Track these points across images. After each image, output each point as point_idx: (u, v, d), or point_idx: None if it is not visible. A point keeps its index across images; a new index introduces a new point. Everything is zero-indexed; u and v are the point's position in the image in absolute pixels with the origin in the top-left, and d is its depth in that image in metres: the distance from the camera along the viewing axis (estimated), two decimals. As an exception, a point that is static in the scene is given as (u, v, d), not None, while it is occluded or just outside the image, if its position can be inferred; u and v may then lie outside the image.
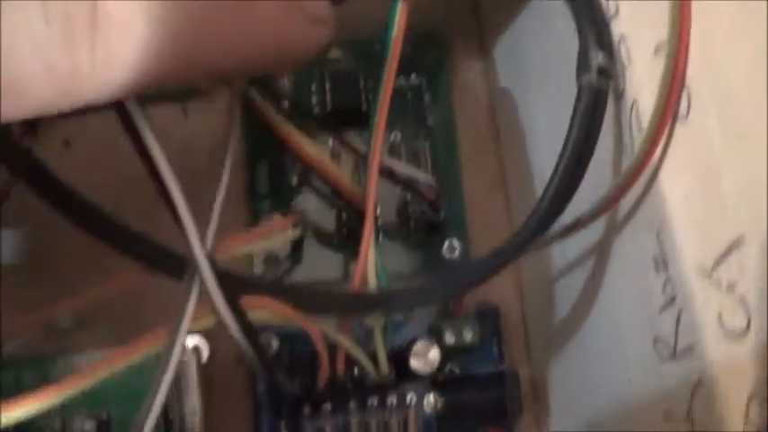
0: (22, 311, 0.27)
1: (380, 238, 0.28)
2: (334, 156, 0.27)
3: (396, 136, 0.28)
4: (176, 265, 0.23)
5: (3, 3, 0.15)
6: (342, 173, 0.26)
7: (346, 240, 0.27)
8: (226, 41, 0.17)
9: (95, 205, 0.25)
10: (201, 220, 0.27)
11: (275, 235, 0.25)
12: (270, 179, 0.28)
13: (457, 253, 0.28)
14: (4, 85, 0.15)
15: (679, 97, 0.18)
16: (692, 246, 0.18)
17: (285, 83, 0.28)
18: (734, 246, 0.17)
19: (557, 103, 0.24)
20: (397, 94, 0.28)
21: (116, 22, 0.15)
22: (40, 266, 0.28)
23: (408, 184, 0.27)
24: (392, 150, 0.28)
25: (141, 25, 0.16)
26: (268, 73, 0.26)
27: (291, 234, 0.25)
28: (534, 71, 0.27)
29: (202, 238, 0.22)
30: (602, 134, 0.21)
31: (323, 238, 0.28)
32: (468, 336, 0.26)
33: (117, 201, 0.26)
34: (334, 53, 0.28)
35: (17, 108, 0.16)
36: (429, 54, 0.29)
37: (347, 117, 0.28)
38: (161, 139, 0.28)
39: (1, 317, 0.26)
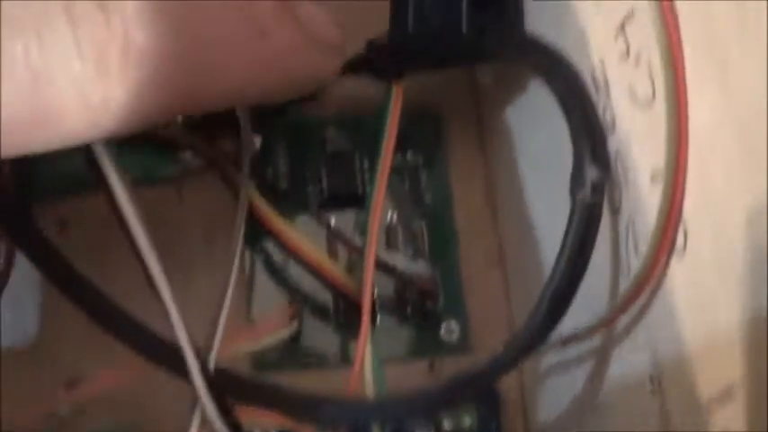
0: (22, 401, 0.27)
1: (378, 320, 0.28)
2: (330, 246, 0.27)
3: (392, 216, 0.28)
4: (175, 361, 0.23)
5: (37, 36, 0.16)
6: (336, 269, 0.26)
7: (343, 322, 0.27)
8: (239, 71, 0.18)
9: (98, 288, 0.25)
10: (197, 306, 0.28)
11: (275, 331, 0.25)
12: (266, 261, 0.28)
13: (455, 336, 0.28)
14: (41, 115, 0.16)
15: (675, 233, 0.18)
16: (687, 383, 0.18)
17: (280, 167, 0.28)
18: (726, 393, 0.17)
19: (553, 184, 0.24)
20: (394, 171, 0.28)
21: (142, 52, 0.16)
22: (42, 351, 0.28)
23: (405, 277, 0.26)
24: (389, 231, 0.28)
25: (163, 55, 0.16)
26: (277, 100, 0.26)
27: (290, 328, 0.25)
28: (531, 152, 0.27)
29: (198, 350, 0.22)
30: (598, 242, 0.21)
31: (320, 316, 0.28)
32: (467, 422, 0.26)
33: (113, 285, 0.26)
34: (329, 132, 0.28)
35: (49, 138, 0.17)
36: (425, 130, 0.29)
37: (344, 201, 0.28)
38: (156, 222, 0.28)
39: (1, 407, 0.26)
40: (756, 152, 0.17)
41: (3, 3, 0.15)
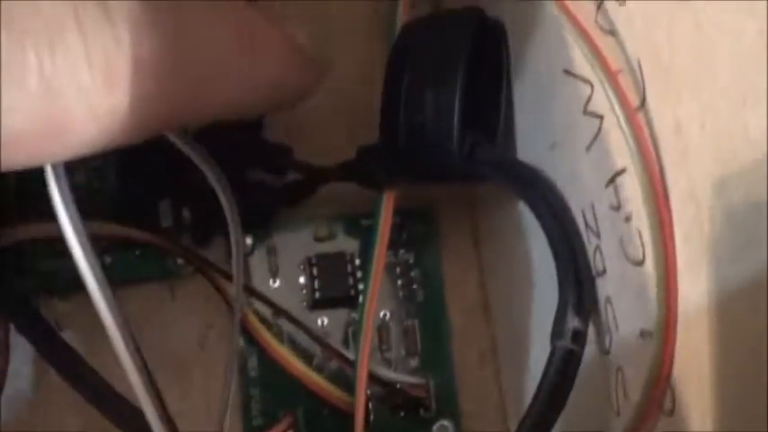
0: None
1: (371, 418, 0.28)
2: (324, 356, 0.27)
3: (385, 315, 0.28)
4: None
5: (50, 47, 0.16)
6: (324, 382, 0.26)
7: (338, 422, 0.28)
8: (234, 80, 0.19)
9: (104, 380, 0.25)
10: (190, 407, 0.28)
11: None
12: (260, 364, 0.28)
13: (449, 435, 0.28)
14: (50, 125, 0.17)
15: (663, 397, 0.18)
16: None
17: (271, 267, 0.28)
18: None
19: (547, 283, 0.24)
20: (386, 268, 0.28)
21: (147, 63, 0.17)
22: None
23: (397, 388, 0.27)
24: (381, 328, 0.28)
25: (166, 65, 0.17)
26: (265, 111, 0.26)
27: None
28: (525, 249, 0.27)
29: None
30: (588, 379, 0.21)
31: (316, 418, 0.28)
32: None
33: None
34: (321, 232, 0.28)
35: (57, 149, 0.18)
36: (418, 226, 0.29)
37: (336, 302, 0.28)
38: (147, 322, 0.28)
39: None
40: (743, 326, 0.17)
41: (16, 15, 0.16)
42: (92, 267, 0.21)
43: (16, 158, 0.17)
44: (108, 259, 0.27)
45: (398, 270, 0.29)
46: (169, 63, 0.18)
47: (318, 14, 0.29)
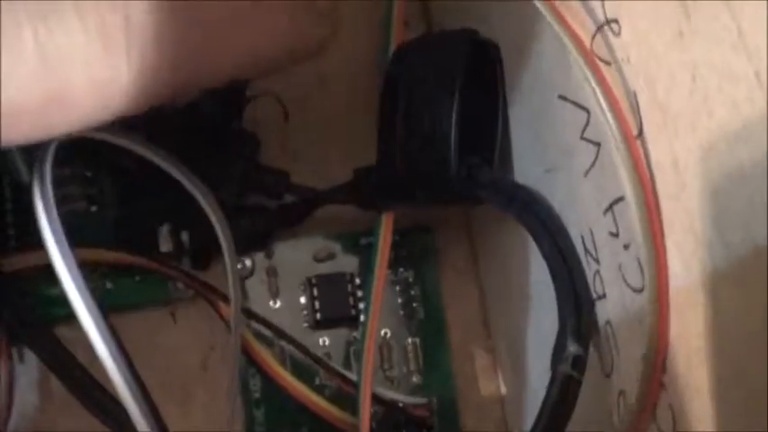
0: None
1: (374, 433, 0.28)
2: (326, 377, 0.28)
3: (386, 333, 0.28)
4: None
5: (44, 20, 0.17)
6: (323, 402, 0.26)
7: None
8: (236, 39, 0.19)
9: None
10: (194, 429, 0.28)
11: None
12: (263, 383, 0.28)
13: (450, 452, 0.28)
14: (50, 94, 0.17)
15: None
16: None
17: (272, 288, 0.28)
18: None
19: (547, 298, 0.24)
20: (386, 287, 0.28)
21: (145, 28, 0.17)
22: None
23: (400, 409, 0.27)
24: (382, 347, 0.28)
25: (165, 29, 0.17)
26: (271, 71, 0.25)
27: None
28: (523, 265, 0.27)
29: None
30: (591, 401, 0.22)
31: None
32: None
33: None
34: (319, 253, 0.28)
35: (63, 120, 0.18)
36: (416, 244, 0.29)
37: (337, 322, 0.28)
38: (150, 345, 0.28)
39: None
40: (744, 363, 0.17)
41: None
42: (80, 290, 0.21)
43: (19, 131, 0.17)
44: (109, 285, 0.27)
45: (398, 288, 0.29)
46: (171, 27, 0.17)
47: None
